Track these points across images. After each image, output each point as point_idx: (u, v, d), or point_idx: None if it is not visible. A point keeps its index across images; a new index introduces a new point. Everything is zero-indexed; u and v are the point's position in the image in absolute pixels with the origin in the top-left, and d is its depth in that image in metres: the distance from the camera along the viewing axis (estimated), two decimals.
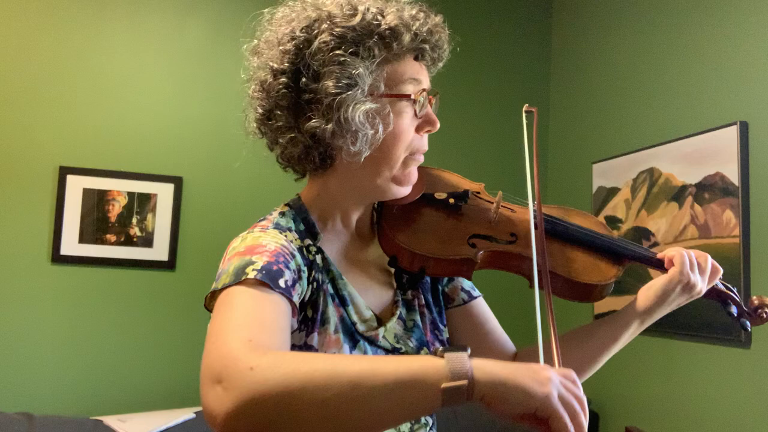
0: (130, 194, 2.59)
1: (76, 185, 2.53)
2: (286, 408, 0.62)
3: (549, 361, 0.76)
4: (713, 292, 1.11)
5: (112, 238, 2.56)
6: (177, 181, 2.63)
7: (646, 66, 2.58)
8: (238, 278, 0.80)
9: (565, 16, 3.17)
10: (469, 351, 0.68)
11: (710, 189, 2.19)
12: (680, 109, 2.39)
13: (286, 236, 0.92)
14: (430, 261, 0.98)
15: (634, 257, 1.07)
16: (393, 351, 0.96)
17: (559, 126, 3.10)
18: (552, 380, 0.67)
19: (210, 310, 0.84)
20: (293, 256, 0.88)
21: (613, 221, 2.65)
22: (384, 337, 0.96)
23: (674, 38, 2.45)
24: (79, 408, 2.43)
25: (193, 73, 2.72)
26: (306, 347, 0.90)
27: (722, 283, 1.13)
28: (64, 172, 2.52)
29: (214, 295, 0.82)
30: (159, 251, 2.60)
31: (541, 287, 0.88)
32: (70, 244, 2.51)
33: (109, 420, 2.21)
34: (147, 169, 2.61)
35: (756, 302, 1.13)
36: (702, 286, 1.04)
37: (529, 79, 3.19)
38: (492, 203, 1.09)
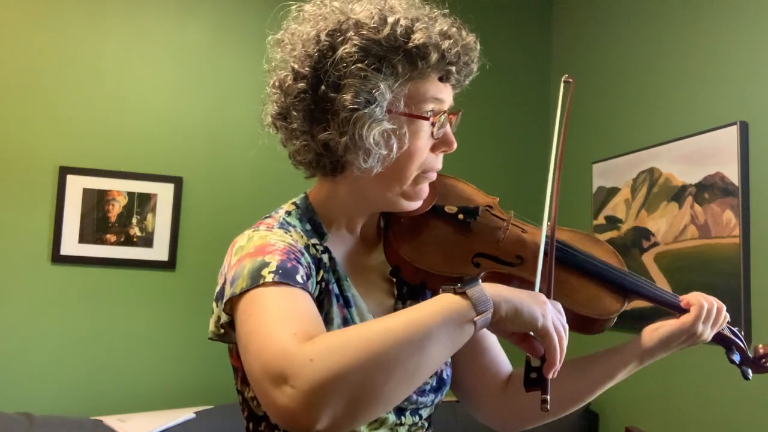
0: (130, 194, 2.59)
1: (76, 185, 2.53)
2: (357, 381, 0.66)
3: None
4: (718, 337, 1.08)
5: (112, 238, 2.56)
6: (177, 181, 2.63)
7: (646, 66, 2.58)
8: (256, 282, 0.79)
9: (565, 17, 3.17)
10: (480, 280, 0.76)
11: (710, 189, 2.19)
12: (680, 109, 2.39)
13: (291, 235, 0.91)
14: (431, 276, 0.96)
15: (642, 295, 1.04)
16: None
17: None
18: (548, 307, 0.79)
19: (230, 315, 0.82)
20: (302, 254, 0.87)
21: (613, 221, 2.65)
22: None
23: (674, 38, 2.45)
24: (79, 408, 2.43)
25: (193, 73, 2.72)
26: None
27: (729, 328, 1.10)
28: (64, 172, 2.52)
29: (234, 300, 0.80)
30: (159, 251, 2.60)
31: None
32: (70, 244, 2.51)
33: (109, 420, 2.21)
34: (147, 169, 2.61)
35: (761, 351, 1.10)
36: (708, 336, 1.03)
37: (529, 80, 3.19)
38: (503, 221, 1.06)
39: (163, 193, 2.62)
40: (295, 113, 0.91)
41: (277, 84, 0.93)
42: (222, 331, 0.87)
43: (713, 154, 2.18)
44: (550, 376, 0.79)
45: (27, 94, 2.52)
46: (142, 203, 2.60)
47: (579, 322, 0.98)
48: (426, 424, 1.01)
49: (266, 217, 0.97)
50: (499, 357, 1.11)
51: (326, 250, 0.95)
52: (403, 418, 0.96)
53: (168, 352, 2.57)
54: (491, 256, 0.99)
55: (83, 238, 2.52)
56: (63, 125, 2.54)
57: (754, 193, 2.05)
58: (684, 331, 1.00)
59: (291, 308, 0.76)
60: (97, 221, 2.55)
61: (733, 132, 2.11)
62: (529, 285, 0.90)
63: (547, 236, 0.94)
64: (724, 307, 1.04)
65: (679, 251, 2.27)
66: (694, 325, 1.00)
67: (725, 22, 2.22)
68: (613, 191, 2.66)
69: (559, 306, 0.82)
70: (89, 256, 2.52)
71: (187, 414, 2.29)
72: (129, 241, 2.57)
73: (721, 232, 2.12)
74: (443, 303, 0.73)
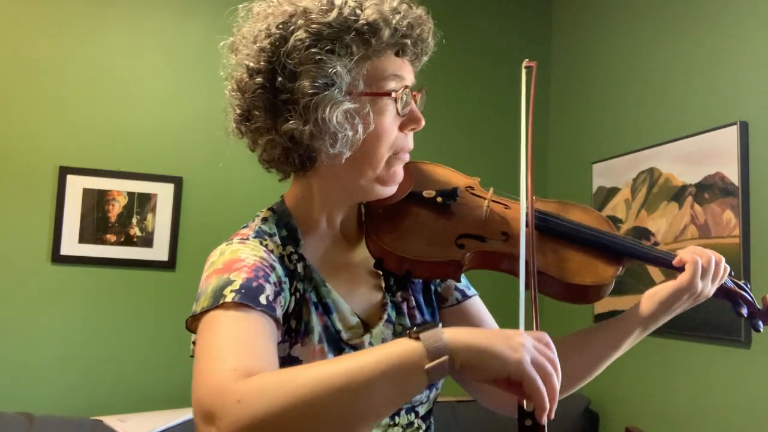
0: (130, 194, 2.59)
1: (76, 185, 2.53)
2: (283, 428, 0.63)
3: (528, 325, 0.78)
4: (722, 291, 1.04)
5: (112, 238, 2.56)
6: (177, 181, 2.63)
7: (646, 66, 2.58)
8: (217, 301, 0.78)
9: (565, 16, 3.17)
10: (440, 325, 0.69)
11: (710, 189, 2.19)
12: (680, 109, 2.39)
13: (267, 246, 0.90)
14: (416, 264, 0.94)
15: (636, 255, 1.02)
16: None
17: (559, 126, 3.10)
18: (525, 345, 0.69)
19: (192, 331, 0.82)
20: (273, 269, 0.86)
21: (613, 221, 2.64)
22: (370, 343, 0.93)
23: (674, 38, 2.45)
24: (79, 408, 2.43)
25: (193, 73, 2.72)
26: (290, 359, 0.88)
27: (732, 281, 1.05)
28: (64, 172, 2.52)
29: (195, 318, 0.80)
30: (159, 251, 2.60)
31: (528, 287, 0.84)
32: (70, 244, 2.51)
33: (109, 420, 2.21)
34: (147, 169, 2.61)
35: None
36: (710, 291, 1.00)
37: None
38: (484, 199, 1.04)
39: (163, 193, 2.62)
40: (256, 112, 0.90)
41: (235, 86, 0.93)
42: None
43: (713, 154, 2.18)
44: (543, 422, 0.70)
45: (27, 94, 2.52)
46: (142, 203, 2.60)
47: (574, 292, 0.97)
48: (424, 425, 0.99)
49: (243, 227, 0.96)
50: None
51: (301, 258, 0.93)
52: (397, 417, 0.93)
53: (168, 352, 2.57)
54: (475, 235, 0.98)
55: (83, 238, 2.52)
56: (63, 125, 2.54)
57: (754, 193, 2.05)
58: (683, 290, 0.97)
59: (238, 340, 0.74)
60: (97, 221, 2.55)
61: (733, 132, 2.11)
62: (517, 260, 0.89)
63: (526, 208, 0.92)
64: (723, 259, 1.00)
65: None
66: (692, 283, 0.96)
67: (725, 22, 2.22)
68: (613, 191, 2.66)
69: (545, 337, 0.73)
70: (89, 256, 2.52)
71: (187, 414, 2.29)
72: (129, 241, 2.57)
73: (721, 232, 2.12)
74: (393, 349, 0.67)
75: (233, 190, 2.69)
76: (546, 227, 1.01)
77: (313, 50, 0.85)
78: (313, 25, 0.86)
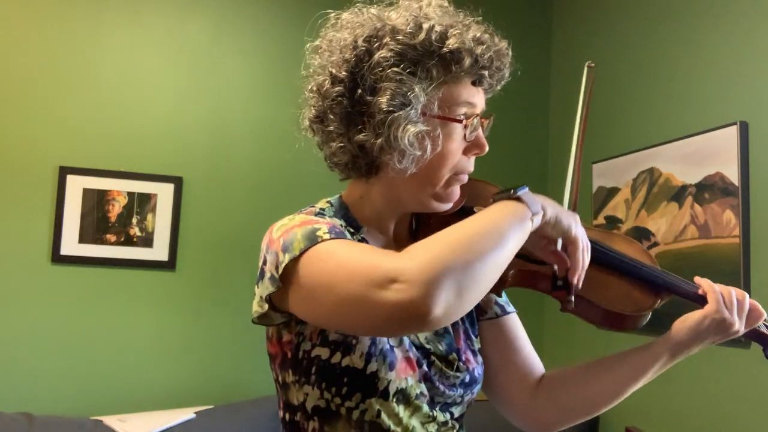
0: (130, 194, 2.59)
1: (76, 185, 2.53)
2: (461, 268, 0.73)
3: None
4: (753, 334, 1.08)
5: (112, 238, 2.56)
6: (177, 181, 2.63)
7: (646, 66, 2.58)
8: (314, 241, 0.82)
9: (565, 16, 3.17)
10: (527, 187, 0.87)
11: (710, 189, 2.19)
12: (680, 109, 2.39)
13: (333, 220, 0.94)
14: None
15: (674, 290, 1.05)
16: (421, 348, 0.95)
17: (559, 126, 3.10)
18: (578, 220, 0.92)
19: (281, 282, 0.84)
20: (345, 233, 0.90)
21: (613, 221, 2.65)
22: (416, 334, 0.96)
23: (674, 38, 2.45)
24: (79, 408, 2.43)
25: (193, 73, 2.72)
26: None
27: (766, 326, 1.09)
28: (64, 172, 2.52)
29: (293, 263, 0.82)
30: (159, 251, 2.60)
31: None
32: (70, 244, 2.51)
33: (109, 420, 2.22)
34: (147, 169, 2.61)
35: None
36: (740, 327, 1.03)
37: (529, 80, 3.19)
38: None
39: (163, 193, 2.62)
40: (332, 116, 0.93)
41: (315, 88, 0.96)
42: (266, 308, 0.88)
43: (713, 154, 2.18)
44: (574, 280, 0.90)
45: (27, 94, 2.52)
46: (142, 203, 2.60)
47: (612, 319, 1.00)
48: (457, 426, 1.00)
49: (300, 211, 0.98)
50: (532, 357, 1.12)
51: (363, 240, 0.97)
52: (434, 411, 0.95)
53: (168, 352, 2.58)
54: (521, 254, 0.98)
55: (83, 238, 2.52)
56: (63, 125, 2.54)
57: (754, 193, 2.05)
58: (710, 319, 1.00)
59: (363, 248, 0.82)
60: (97, 221, 2.55)
61: (733, 132, 2.11)
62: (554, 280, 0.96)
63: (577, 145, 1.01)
64: (746, 295, 1.05)
65: (679, 251, 2.27)
66: (718, 311, 1.00)
67: (725, 22, 2.22)
68: (613, 191, 2.66)
69: (580, 220, 0.93)
70: (89, 256, 2.52)
71: (187, 414, 2.30)
72: (129, 241, 2.58)
73: (721, 232, 2.12)
74: (505, 206, 0.83)
75: (233, 190, 2.69)
76: (592, 255, 1.03)
77: (395, 69, 0.89)
78: (399, 46, 0.89)
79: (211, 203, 2.68)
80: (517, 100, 3.14)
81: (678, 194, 2.32)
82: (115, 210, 2.57)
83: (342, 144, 0.94)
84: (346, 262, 0.78)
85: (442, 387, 0.95)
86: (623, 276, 1.04)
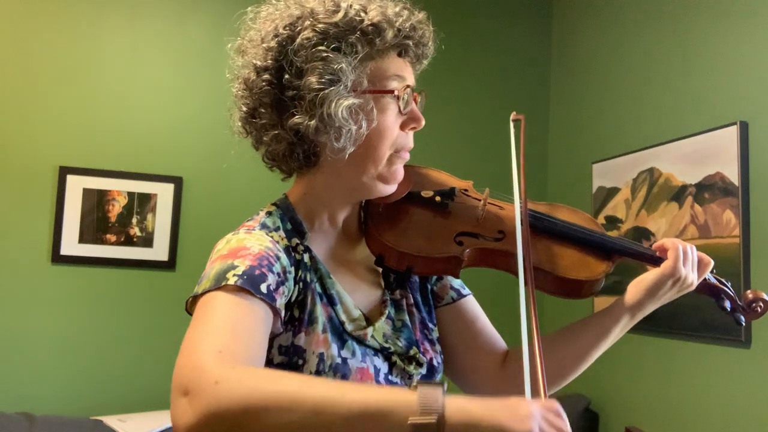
0: (130, 194, 2.59)
1: (76, 185, 2.53)
2: (245, 426, 0.63)
3: (535, 392, 0.74)
4: (705, 287, 1.09)
5: (112, 238, 2.56)
6: (177, 181, 2.63)
7: (646, 66, 2.58)
8: (219, 283, 0.80)
9: (565, 17, 3.17)
10: (445, 387, 0.66)
11: (710, 189, 2.19)
12: (680, 109, 2.39)
13: (272, 237, 0.92)
14: (416, 260, 0.97)
15: (625, 252, 1.06)
16: (382, 350, 0.95)
17: (559, 126, 3.10)
18: (533, 416, 0.65)
19: (191, 314, 0.83)
20: (278, 258, 0.88)
21: (613, 221, 2.65)
22: (373, 336, 0.96)
23: (674, 38, 2.45)
24: (79, 408, 2.43)
25: (193, 73, 2.72)
26: (293, 347, 0.89)
27: (715, 278, 1.11)
28: (64, 172, 2.52)
29: (195, 299, 0.81)
30: (159, 251, 2.60)
31: (526, 283, 0.87)
32: (70, 244, 2.51)
33: (109, 420, 2.22)
34: (147, 169, 2.61)
35: (750, 296, 1.11)
36: (693, 279, 1.03)
37: (529, 80, 3.19)
38: (480, 201, 1.08)
39: (163, 193, 2.62)
40: (262, 109, 0.93)
41: (242, 85, 0.96)
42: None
43: (713, 154, 2.18)
44: None
45: (27, 95, 2.52)
46: (142, 203, 2.60)
47: (568, 287, 1.01)
48: None
49: (248, 220, 0.98)
50: (494, 336, 1.12)
51: (307, 249, 0.96)
52: None
53: (168, 352, 2.57)
54: (473, 233, 1.01)
55: (83, 238, 2.53)
56: (63, 125, 2.55)
57: (754, 193, 2.05)
58: (667, 276, 1.01)
59: (232, 324, 0.75)
60: (97, 221, 2.55)
61: (733, 132, 2.11)
62: (514, 258, 0.92)
63: (520, 206, 0.96)
64: (694, 247, 1.05)
65: None
66: (675, 267, 1.00)
67: (725, 22, 2.22)
68: (613, 191, 2.66)
69: (555, 406, 0.68)
70: (89, 256, 2.52)
71: None
72: (129, 241, 2.58)
73: (721, 232, 2.12)
74: (387, 394, 0.66)
75: (233, 190, 2.70)
76: (540, 226, 1.05)
77: (319, 48, 0.89)
78: (320, 25, 0.90)
79: (211, 203, 2.68)
80: (518, 100, 3.14)
81: (678, 194, 2.32)
82: (115, 210, 2.57)
83: (276, 132, 0.93)
84: (198, 337, 0.73)
85: (402, 384, 0.96)
86: (574, 244, 1.05)
